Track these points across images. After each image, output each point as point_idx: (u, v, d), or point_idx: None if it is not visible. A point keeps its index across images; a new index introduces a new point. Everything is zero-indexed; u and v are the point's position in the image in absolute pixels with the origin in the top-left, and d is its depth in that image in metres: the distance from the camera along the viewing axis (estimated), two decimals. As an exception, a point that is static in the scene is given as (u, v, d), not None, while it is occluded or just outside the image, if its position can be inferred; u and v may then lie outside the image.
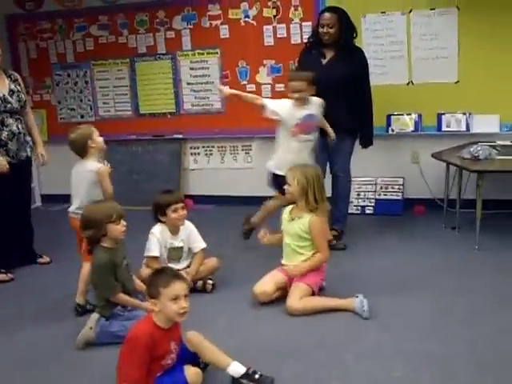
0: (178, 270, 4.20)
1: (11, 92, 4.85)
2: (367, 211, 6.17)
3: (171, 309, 2.80)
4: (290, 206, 4.15)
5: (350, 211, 5.78)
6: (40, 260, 5.18)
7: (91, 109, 7.18)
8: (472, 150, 5.03)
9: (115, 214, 3.57)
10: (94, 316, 3.59)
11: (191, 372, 2.90)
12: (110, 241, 3.61)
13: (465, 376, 3.00)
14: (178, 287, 2.83)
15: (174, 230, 4.31)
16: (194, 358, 3.04)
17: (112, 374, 2.86)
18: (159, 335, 2.82)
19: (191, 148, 6.92)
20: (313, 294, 3.96)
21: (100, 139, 4.33)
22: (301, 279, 3.97)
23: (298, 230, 4.02)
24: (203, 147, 6.87)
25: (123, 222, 3.62)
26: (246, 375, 2.93)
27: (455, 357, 3.19)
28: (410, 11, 5.77)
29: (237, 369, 2.95)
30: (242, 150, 6.71)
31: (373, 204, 6.17)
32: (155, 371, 2.84)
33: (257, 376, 2.93)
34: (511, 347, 3.26)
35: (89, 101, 7.17)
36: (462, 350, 3.25)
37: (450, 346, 3.31)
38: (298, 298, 3.85)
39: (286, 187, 4.06)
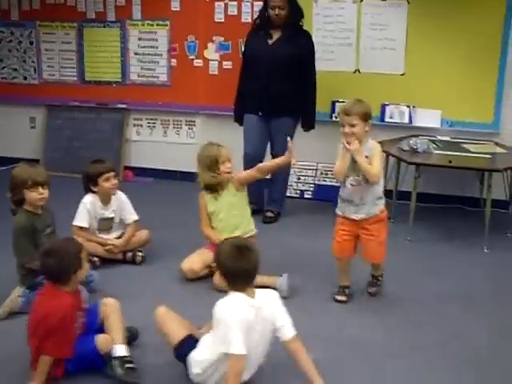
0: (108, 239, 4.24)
1: None
2: (306, 195, 6.19)
3: (87, 267, 2.99)
4: (205, 195, 4.18)
5: (288, 194, 5.82)
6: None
7: (35, 71, 7.01)
8: (411, 142, 5.09)
9: (30, 180, 3.47)
10: (20, 286, 3.55)
11: (100, 338, 2.91)
12: (31, 206, 3.55)
13: (379, 360, 3.09)
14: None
15: (106, 200, 4.26)
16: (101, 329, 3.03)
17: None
18: (74, 302, 2.87)
19: (134, 119, 6.82)
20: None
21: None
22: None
23: (230, 196, 4.11)
24: (146, 119, 6.77)
25: (41, 190, 3.50)
26: (119, 358, 2.89)
27: (373, 342, 3.27)
28: (362, 0, 5.78)
29: (118, 351, 2.92)
30: (186, 125, 6.64)
31: (312, 189, 6.20)
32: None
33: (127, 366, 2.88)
34: (425, 337, 3.36)
35: (33, 62, 6.99)
36: (379, 337, 3.34)
37: (369, 332, 3.40)
38: None
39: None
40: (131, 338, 3.10)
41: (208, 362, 2.68)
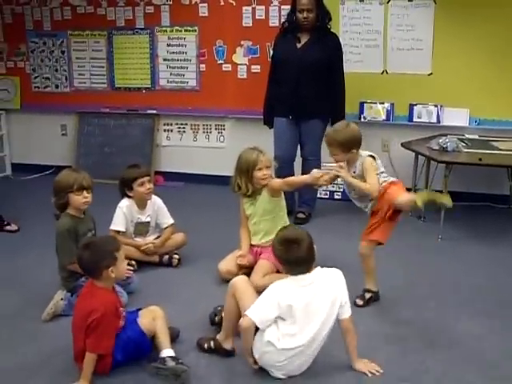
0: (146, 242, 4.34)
1: None
2: (336, 196, 6.23)
3: (125, 267, 3.09)
4: (245, 200, 4.22)
5: (318, 195, 5.86)
6: (7, 228, 5.17)
7: (66, 79, 7.13)
8: (441, 141, 5.12)
9: (76, 184, 3.59)
10: (62, 290, 3.65)
11: (144, 320, 3.05)
12: (75, 210, 3.66)
13: (418, 355, 3.13)
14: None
15: (142, 205, 4.35)
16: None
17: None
18: (116, 299, 2.99)
19: (164, 124, 6.91)
20: (278, 272, 4.03)
21: None
22: (265, 257, 4.05)
23: (264, 202, 4.12)
24: (176, 124, 6.87)
25: (85, 194, 3.63)
26: (161, 360, 2.96)
27: (407, 337, 3.33)
28: (388, 1, 5.81)
29: (168, 353, 2.99)
30: (215, 129, 6.72)
31: (342, 190, 6.22)
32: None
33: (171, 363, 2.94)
34: (459, 333, 3.40)
35: (64, 71, 7.12)
36: (412, 332, 3.40)
37: (399, 329, 3.46)
38: (260, 276, 3.93)
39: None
40: (172, 338, 3.16)
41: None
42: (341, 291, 2.93)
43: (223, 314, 3.20)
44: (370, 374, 2.94)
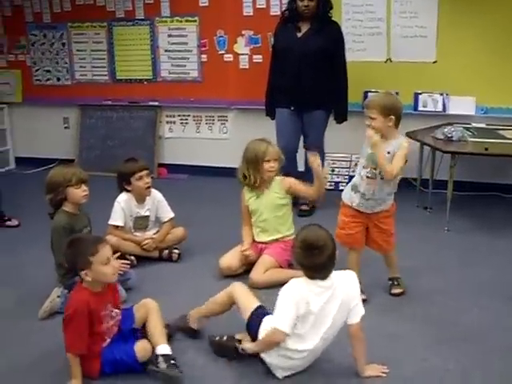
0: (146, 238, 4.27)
1: None
2: (341, 187, 6.15)
3: (106, 272, 2.86)
4: (247, 191, 4.14)
5: (323, 186, 5.78)
6: (8, 223, 5.14)
7: (67, 72, 7.08)
8: (446, 130, 5.03)
9: (75, 177, 3.57)
10: (58, 287, 3.60)
11: (139, 347, 2.90)
12: (71, 205, 3.62)
13: (420, 352, 3.06)
14: (106, 250, 2.87)
15: (140, 199, 4.29)
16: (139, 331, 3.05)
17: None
18: (94, 300, 2.84)
19: (167, 116, 6.85)
20: (280, 267, 3.97)
21: None
22: (268, 253, 3.99)
23: (274, 198, 4.06)
24: (179, 116, 6.80)
25: (84, 187, 3.61)
26: (165, 355, 2.89)
27: (410, 333, 3.26)
28: (391, -12, 5.71)
29: (162, 350, 2.92)
30: (218, 120, 6.66)
31: (346, 180, 6.13)
32: (99, 337, 2.88)
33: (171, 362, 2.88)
34: (464, 327, 3.32)
35: (65, 63, 7.07)
36: (416, 327, 3.33)
37: (405, 324, 3.38)
38: (261, 272, 3.87)
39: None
40: (169, 335, 3.10)
41: None
42: (352, 295, 2.81)
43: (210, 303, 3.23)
44: (384, 375, 2.86)
